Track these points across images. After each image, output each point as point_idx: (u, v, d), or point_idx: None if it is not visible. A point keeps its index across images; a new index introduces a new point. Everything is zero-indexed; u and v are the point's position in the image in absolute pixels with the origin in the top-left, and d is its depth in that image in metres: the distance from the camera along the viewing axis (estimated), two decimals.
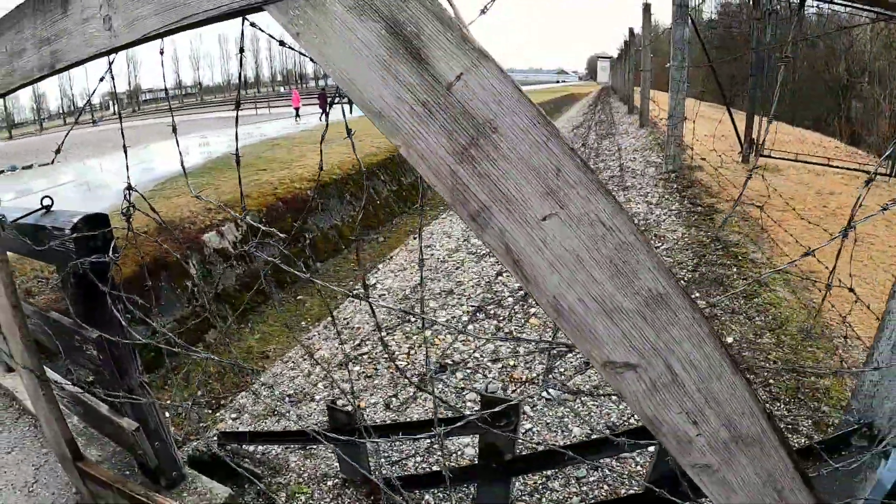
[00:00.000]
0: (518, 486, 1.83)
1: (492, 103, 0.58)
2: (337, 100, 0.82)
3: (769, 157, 5.32)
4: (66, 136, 1.18)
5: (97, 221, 1.18)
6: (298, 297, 4.88)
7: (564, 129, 16.90)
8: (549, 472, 1.86)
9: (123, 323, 1.26)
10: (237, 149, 1.11)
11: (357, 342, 3.36)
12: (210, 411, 2.77)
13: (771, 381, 2.12)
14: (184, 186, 6.00)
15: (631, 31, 15.17)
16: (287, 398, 2.74)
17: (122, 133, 1.18)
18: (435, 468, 1.91)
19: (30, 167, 13.21)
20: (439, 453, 1.96)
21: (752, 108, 6.34)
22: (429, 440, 2.06)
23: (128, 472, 1.63)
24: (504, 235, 0.62)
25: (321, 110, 19.20)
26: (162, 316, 3.41)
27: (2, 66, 1.12)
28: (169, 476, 1.55)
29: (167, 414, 2.78)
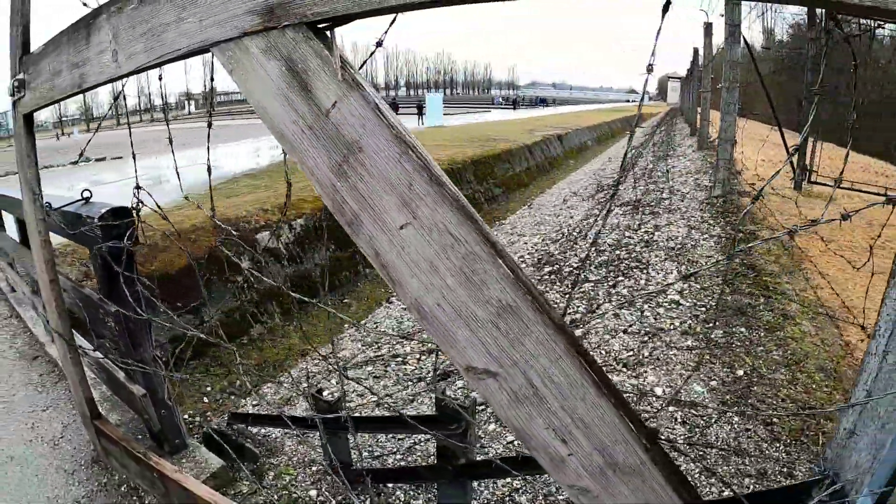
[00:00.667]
0: (486, 494, 1.87)
1: (358, 126, 0.69)
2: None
3: (823, 184, 4.91)
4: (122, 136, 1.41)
5: (121, 213, 1.41)
6: (345, 301, 5.16)
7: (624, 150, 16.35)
8: (517, 485, 1.88)
9: (139, 301, 1.48)
10: (284, 160, 1.28)
11: (377, 346, 3.53)
12: (237, 397, 3.04)
13: (775, 419, 2.00)
14: (244, 186, 6.51)
15: (695, 50, 14.67)
16: (304, 389, 2.94)
17: (170, 137, 1.38)
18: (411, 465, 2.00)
19: (102, 159, 14.51)
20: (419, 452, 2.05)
21: (807, 132, 5.91)
22: (412, 439, 2.16)
23: (140, 437, 1.87)
24: (372, 241, 0.72)
25: (418, 115, 20.73)
26: (212, 307, 3.77)
27: (46, 82, 1.38)
28: (172, 443, 1.77)
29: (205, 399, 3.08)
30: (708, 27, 9.95)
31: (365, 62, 0.90)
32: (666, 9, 0.61)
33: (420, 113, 21.04)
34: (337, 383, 2.88)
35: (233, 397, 3.01)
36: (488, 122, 21.78)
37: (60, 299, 1.52)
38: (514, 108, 44.90)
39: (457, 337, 0.71)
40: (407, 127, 0.69)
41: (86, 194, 1.54)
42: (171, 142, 1.30)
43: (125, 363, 1.54)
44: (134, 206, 1.29)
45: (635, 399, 2.30)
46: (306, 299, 1.06)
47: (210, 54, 0.84)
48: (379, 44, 0.77)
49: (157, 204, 1.26)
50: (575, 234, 5.51)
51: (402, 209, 0.69)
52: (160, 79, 1.14)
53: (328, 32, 0.72)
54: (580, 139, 18.30)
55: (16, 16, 1.56)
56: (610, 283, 3.73)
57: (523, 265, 4.92)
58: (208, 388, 3.19)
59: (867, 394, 1.34)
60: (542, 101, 64.53)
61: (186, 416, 2.69)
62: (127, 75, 1.05)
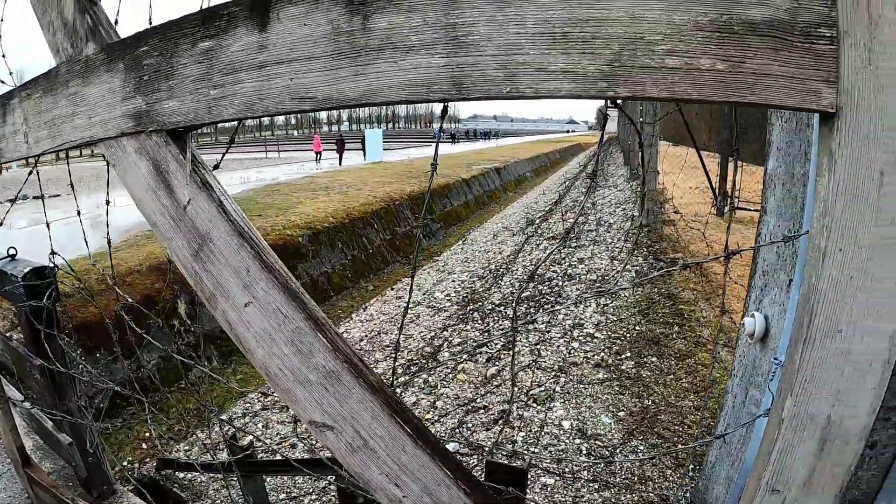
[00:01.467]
0: None
1: (207, 221, 0.82)
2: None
3: (745, 209, 5.18)
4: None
5: (42, 273, 1.51)
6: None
7: (561, 180, 16.99)
8: None
9: (62, 355, 1.57)
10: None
11: None
12: (174, 441, 3.07)
13: (679, 445, 2.13)
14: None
15: None
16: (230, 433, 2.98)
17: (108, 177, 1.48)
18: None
19: (40, 198, 14.32)
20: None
21: (725, 157, 6.31)
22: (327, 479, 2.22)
23: (70, 484, 1.92)
24: (226, 315, 0.84)
25: (339, 155, 20.63)
26: (148, 352, 3.80)
27: None
28: (100, 489, 1.82)
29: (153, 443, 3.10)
30: None
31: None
32: None
33: (364, 148, 21.25)
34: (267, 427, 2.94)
35: (172, 441, 3.04)
36: (428, 156, 22.14)
37: None
38: (453, 142, 45.51)
39: (298, 396, 0.83)
40: (246, 219, 0.82)
41: (11, 251, 1.63)
42: (107, 182, 1.41)
43: (52, 413, 1.61)
44: (49, 271, 1.39)
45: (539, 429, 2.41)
46: (201, 366, 1.17)
47: None
48: (230, 144, 0.91)
49: (70, 267, 1.36)
50: (501, 269, 5.72)
51: (244, 290, 0.81)
52: None
53: (185, 137, 0.85)
54: (518, 171, 18.95)
55: None
56: (529, 320, 3.87)
57: (448, 303, 5.05)
58: (147, 434, 3.21)
59: (725, 429, 1.48)
60: (485, 135, 66.31)
61: (126, 462, 2.72)
62: (37, 156, 1.17)
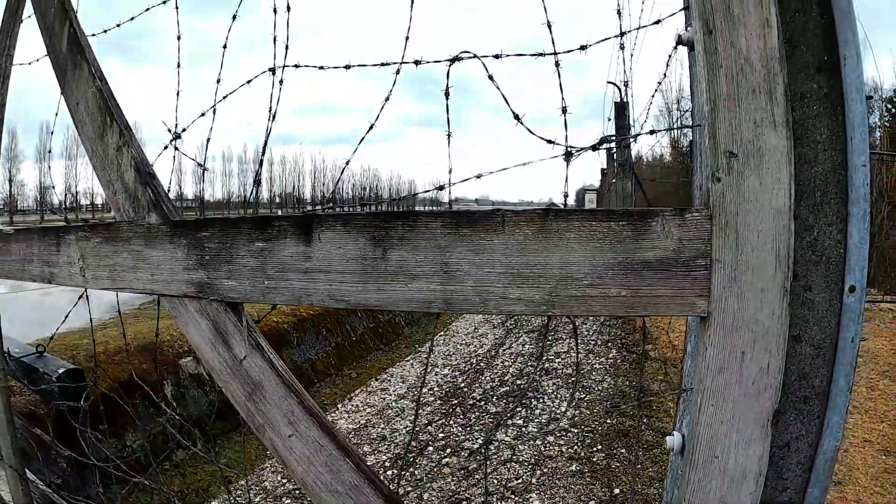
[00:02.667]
0: None
1: (259, 373, 1.12)
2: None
3: None
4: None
5: (76, 375, 1.76)
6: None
7: None
8: None
9: (90, 448, 1.81)
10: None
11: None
12: None
13: None
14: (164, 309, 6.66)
15: (602, 170, 16.88)
16: None
17: None
18: None
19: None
20: None
21: None
22: None
23: None
24: (273, 441, 1.14)
25: None
26: (135, 433, 3.95)
27: (17, 263, 1.74)
28: None
29: None
30: (610, 152, 11.50)
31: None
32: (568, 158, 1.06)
33: None
34: None
35: None
36: None
37: (16, 438, 1.82)
38: None
39: (329, 502, 1.12)
40: (290, 372, 1.12)
41: (39, 349, 1.87)
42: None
43: (73, 498, 1.83)
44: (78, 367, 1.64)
45: None
46: (199, 450, 1.44)
47: None
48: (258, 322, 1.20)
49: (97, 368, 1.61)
50: (482, 364, 6.09)
51: (289, 426, 1.11)
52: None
53: (241, 307, 1.15)
54: None
55: None
56: (507, 415, 4.24)
57: (432, 398, 5.35)
58: None
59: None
60: None
61: None
62: (91, 288, 1.44)
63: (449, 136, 1.07)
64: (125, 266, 1.31)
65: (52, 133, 2.28)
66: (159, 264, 1.23)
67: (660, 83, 1.47)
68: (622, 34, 1.52)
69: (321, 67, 1.21)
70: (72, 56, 1.55)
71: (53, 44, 1.65)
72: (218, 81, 1.30)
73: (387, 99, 1.11)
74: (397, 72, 1.11)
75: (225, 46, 1.44)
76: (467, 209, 0.94)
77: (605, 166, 15.63)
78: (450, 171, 1.09)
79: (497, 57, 1.04)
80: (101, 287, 1.40)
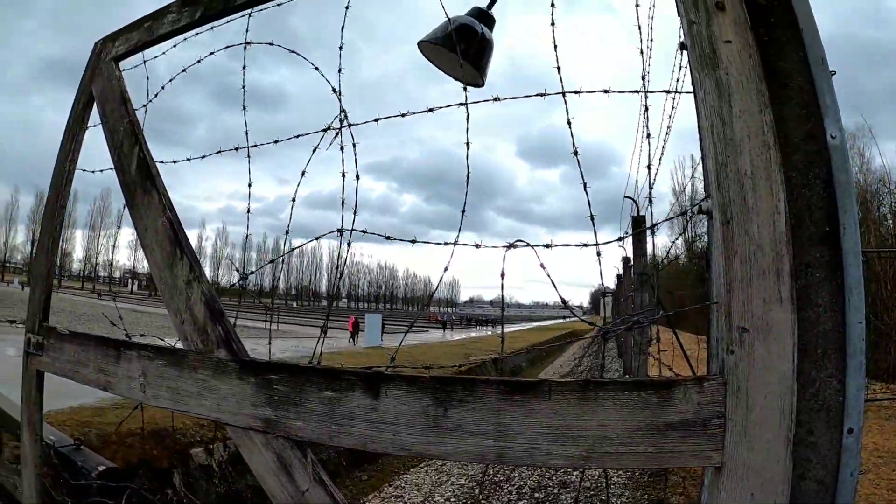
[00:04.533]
0: None
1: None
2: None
3: None
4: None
5: (116, 474, 1.90)
6: None
7: (554, 373, 17.78)
8: None
9: None
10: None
11: None
12: None
13: None
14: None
15: (619, 276, 17.57)
16: None
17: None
18: None
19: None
20: None
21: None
22: None
23: None
24: None
25: (352, 334, 23.25)
26: None
27: (70, 364, 1.91)
28: None
29: None
30: (627, 260, 11.97)
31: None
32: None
33: (355, 331, 23.66)
34: None
35: None
36: (427, 342, 24.03)
37: None
38: (444, 329, 45.35)
39: None
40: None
41: (77, 441, 2.01)
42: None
43: None
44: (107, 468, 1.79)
45: None
46: None
47: None
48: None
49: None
50: (499, 476, 6.18)
51: None
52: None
53: (306, 446, 1.32)
54: (514, 362, 20.66)
55: (38, 280, 2.10)
56: None
57: None
58: None
59: None
60: (490, 321, 70.57)
61: None
62: (152, 405, 1.61)
63: (503, 305, 1.28)
64: (189, 392, 1.49)
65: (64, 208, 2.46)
66: (226, 396, 1.41)
67: (672, 219, 1.71)
68: (649, 166, 1.77)
69: (362, 231, 1.44)
70: (141, 181, 1.79)
71: (122, 163, 1.89)
72: (287, 232, 1.52)
73: (445, 270, 1.32)
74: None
75: (303, 173, 1.66)
76: (518, 379, 1.15)
77: (621, 272, 16.32)
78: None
79: (547, 247, 1.26)
80: (160, 405, 1.58)
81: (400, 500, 5.70)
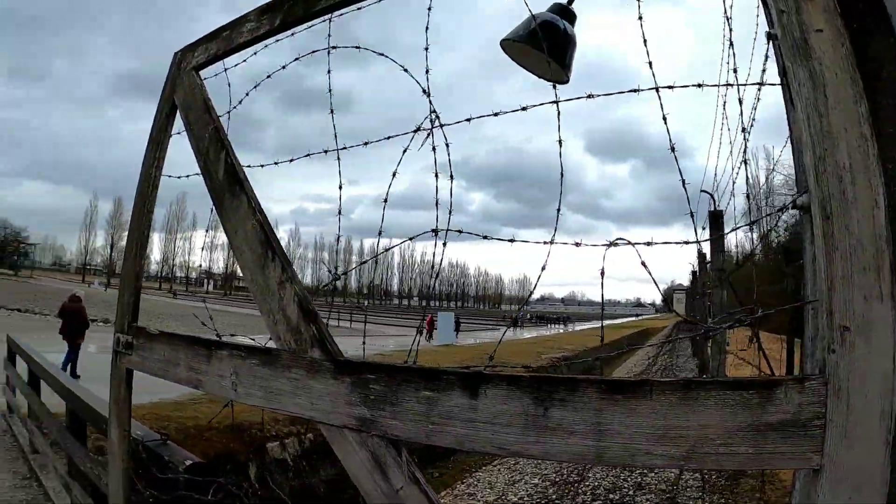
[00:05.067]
0: None
1: (416, 502, 1.34)
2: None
3: None
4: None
5: (202, 469, 2.00)
6: None
7: (626, 373, 17.94)
8: None
9: None
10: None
11: None
12: None
13: None
14: None
15: (693, 273, 17.40)
16: None
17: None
18: None
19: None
20: None
21: (791, 341, 7.07)
22: None
23: None
24: None
25: (428, 332, 24.00)
26: None
27: (160, 363, 2.03)
28: None
29: None
30: (703, 257, 11.72)
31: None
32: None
33: (430, 329, 24.45)
34: None
35: None
36: (498, 340, 24.51)
37: None
38: (515, 328, 46.10)
39: None
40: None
41: (163, 436, 2.14)
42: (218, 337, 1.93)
43: None
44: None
45: None
46: None
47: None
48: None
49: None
50: (574, 476, 6.18)
51: None
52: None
53: (401, 444, 1.38)
54: (586, 362, 20.55)
55: (128, 283, 2.24)
56: None
57: None
58: None
59: None
60: (563, 319, 71.80)
61: None
62: (240, 401, 1.70)
63: (603, 303, 1.32)
64: (282, 390, 1.58)
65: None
66: (320, 395, 1.49)
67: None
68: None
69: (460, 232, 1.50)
70: (229, 185, 1.89)
71: (209, 168, 2.00)
72: (379, 233, 1.59)
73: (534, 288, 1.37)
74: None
75: (393, 174, 1.73)
76: (619, 378, 1.18)
77: (696, 269, 16.25)
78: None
79: (648, 244, 1.29)
80: (252, 403, 1.67)
81: (473, 498, 5.79)
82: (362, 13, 1.81)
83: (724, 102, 1.75)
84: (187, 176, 2.31)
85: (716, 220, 7.60)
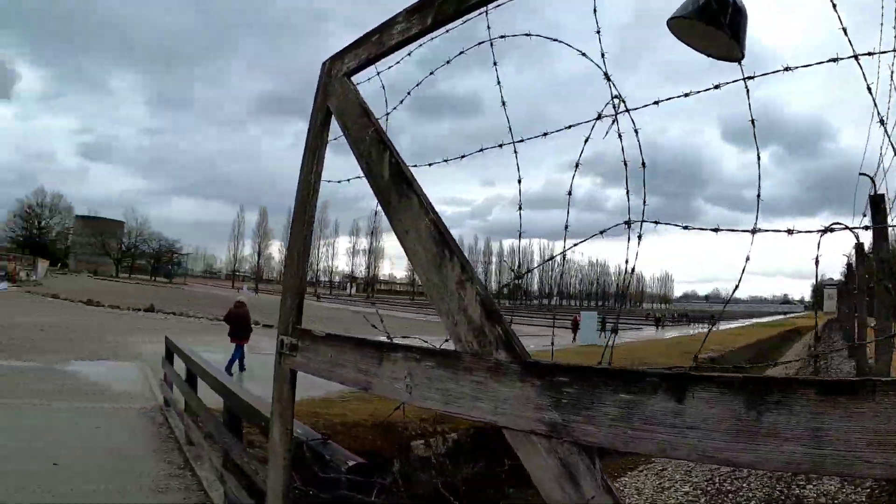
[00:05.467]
0: None
1: None
2: None
3: None
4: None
5: (365, 469, 2.39)
6: None
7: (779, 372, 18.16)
8: None
9: None
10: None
11: None
12: None
13: None
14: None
15: (848, 265, 17.09)
16: None
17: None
18: None
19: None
20: None
21: None
22: None
23: None
24: None
25: (573, 333, 27.24)
26: None
27: (324, 364, 2.43)
28: None
29: None
30: (860, 246, 11.18)
31: None
32: None
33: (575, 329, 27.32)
34: None
35: None
36: (640, 340, 27.30)
37: None
38: (657, 327, 52.18)
39: None
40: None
41: (324, 435, 2.57)
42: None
43: None
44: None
45: None
46: None
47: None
48: None
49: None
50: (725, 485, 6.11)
51: None
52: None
53: (594, 451, 1.62)
54: (733, 362, 21.55)
55: (291, 286, 2.73)
56: None
57: None
58: None
59: None
60: (708, 318, 74.57)
61: None
62: (418, 405, 2.03)
63: (818, 285, 1.47)
64: (462, 394, 1.83)
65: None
66: (505, 399, 1.72)
67: None
68: None
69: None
70: (396, 186, 2.22)
71: (372, 170, 2.37)
72: (566, 227, 1.87)
73: None
74: None
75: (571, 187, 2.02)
76: (840, 379, 1.32)
77: (851, 261, 15.73)
78: None
79: (866, 228, 1.43)
80: (427, 406, 1.96)
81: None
82: (506, 8, 2.11)
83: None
84: (348, 180, 2.75)
85: (877, 206, 7.52)
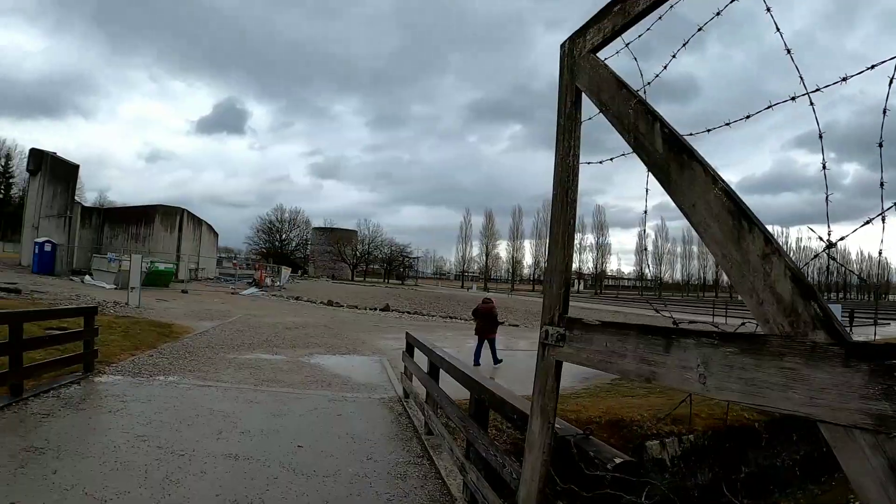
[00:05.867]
0: None
1: None
2: None
3: None
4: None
5: (633, 467, 2.60)
6: None
7: None
8: None
9: None
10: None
11: None
12: None
13: None
14: (638, 387, 8.48)
15: None
16: None
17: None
18: None
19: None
20: None
21: None
22: None
23: None
24: None
25: None
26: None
27: (599, 355, 2.69)
28: None
29: None
30: None
31: None
32: None
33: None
34: None
35: None
36: None
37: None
38: None
39: None
40: None
41: (587, 430, 2.85)
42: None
43: None
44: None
45: None
46: None
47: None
48: None
49: None
50: None
51: None
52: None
53: None
54: None
55: (556, 274, 3.09)
56: None
57: None
58: None
59: None
60: None
61: None
62: (714, 397, 2.18)
63: None
64: (769, 382, 1.84)
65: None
66: (823, 388, 1.68)
67: None
68: None
69: None
70: (673, 156, 2.33)
71: (642, 143, 2.48)
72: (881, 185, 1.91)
73: None
74: None
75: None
76: None
77: None
78: None
79: None
80: (723, 398, 2.05)
81: None
82: None
83: None
84: (611, 159, 3.00)
85: None
